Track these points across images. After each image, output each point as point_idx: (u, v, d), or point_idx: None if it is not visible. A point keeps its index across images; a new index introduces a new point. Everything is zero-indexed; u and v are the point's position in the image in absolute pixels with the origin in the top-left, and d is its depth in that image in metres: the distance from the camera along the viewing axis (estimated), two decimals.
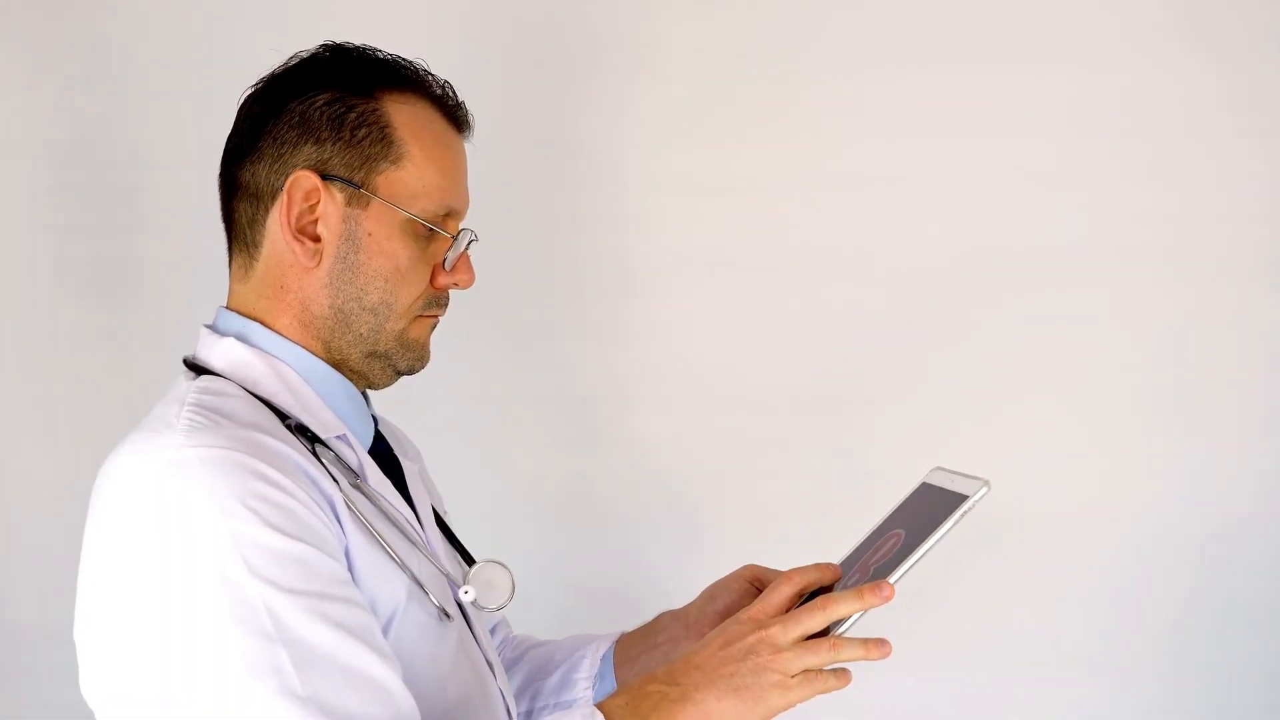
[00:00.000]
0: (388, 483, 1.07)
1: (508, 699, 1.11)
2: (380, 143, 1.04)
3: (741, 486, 1.68)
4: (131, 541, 0.91)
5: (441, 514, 1.20)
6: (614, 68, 1.67)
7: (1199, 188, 1.63)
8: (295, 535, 0.91)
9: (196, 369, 1.04)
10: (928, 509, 0.98)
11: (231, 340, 1.04)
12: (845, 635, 0.95)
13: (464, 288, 1.10)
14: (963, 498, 0.95)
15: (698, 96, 1.66)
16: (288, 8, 1.65)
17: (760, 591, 1.10)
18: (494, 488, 1.66)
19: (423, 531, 1.09)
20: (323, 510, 0.95)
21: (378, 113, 1.04)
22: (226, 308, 1.08)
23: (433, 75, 1.09)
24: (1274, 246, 1.64)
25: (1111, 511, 1.66)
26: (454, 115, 1.10)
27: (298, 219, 1.03)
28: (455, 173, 1.09)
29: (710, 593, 1.20)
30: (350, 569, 0.96)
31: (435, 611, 1.03)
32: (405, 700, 0.93)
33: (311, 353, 1.05)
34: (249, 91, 1.08)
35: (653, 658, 1.20)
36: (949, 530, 0.94)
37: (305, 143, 1.03)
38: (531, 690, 1.25)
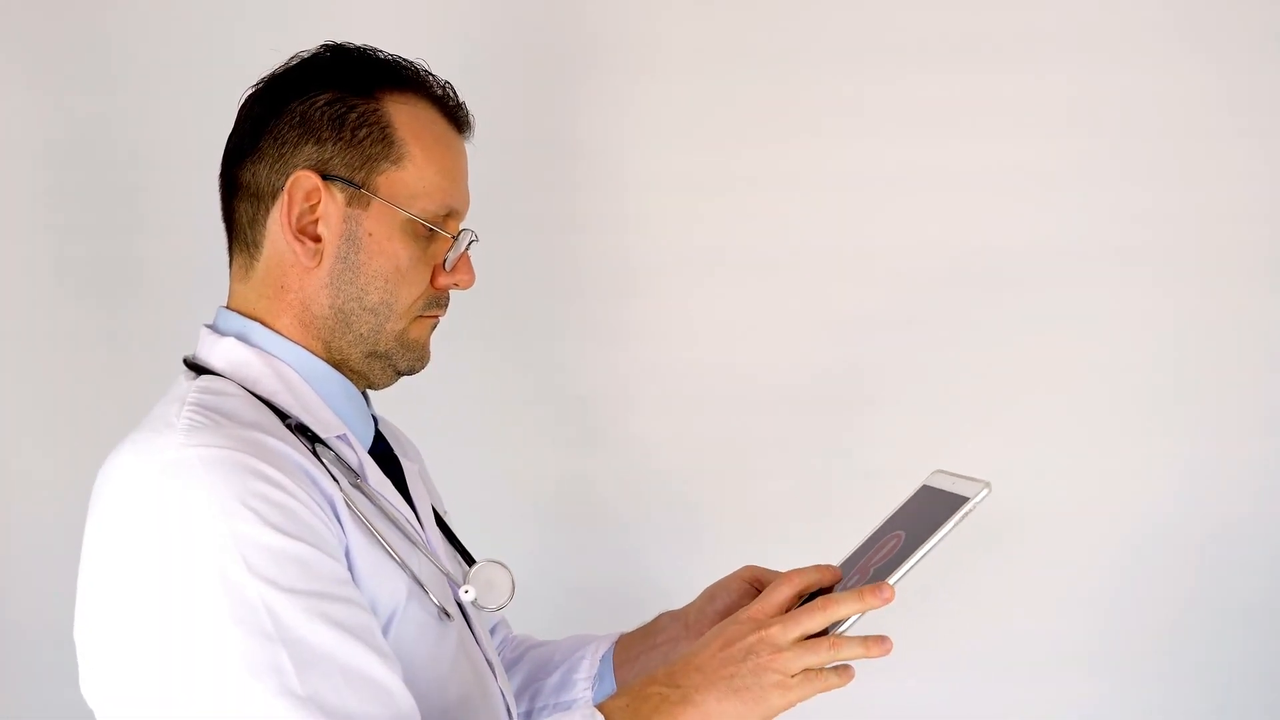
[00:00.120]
0: (388, 482, 1.07)
1: (508, 699, 1.11)
2: (381, 143, 1.04)
3: (741, 486, 1.68)
4: (131, 541, 0.91)
5: (441, 514, 1.20)
6: (614, 68, 1.67)
7: (1199, 188, 1.63)
8: (295, 535, 0.91)
9: (197, 369, 1.04)
10: (928, 511, 0.98)
11: (232, 340, 1.04)
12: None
13: (464, 288, 1.10)
14: (963, 500, 0.95)
15: (698, 96, 1.66)
16: (288, 8, 1.65)
17: (760, 592, 1.10)
18: (494, 488, 1.66)
19: (423, 531, 1.09)
20: (323, 510, 0.95)
21: (378, 113, 1.04)
22: (227, 308, 1.08)
23: (433, 75, 1.09)
24: (1274, 246, 1.64)
25: (1111, 512, 1.66)
26: (455, 115, 1.10)
27: (298, 219, 1.03)
28: (456, 173, 1.09)
29: (710, 593, 1.20)
30: (350, 569, 0.96)
31: (435, 611, 1.03)
32: (405, 700, 0.93)
33: (312, 353, 1.05)
34: (249, 91, 1.08)
35: (652, 658, 1.20)
36: (949, 532, 0.94)
37: (306, 143, 1.03)
38: (531, 690, 1.25)
